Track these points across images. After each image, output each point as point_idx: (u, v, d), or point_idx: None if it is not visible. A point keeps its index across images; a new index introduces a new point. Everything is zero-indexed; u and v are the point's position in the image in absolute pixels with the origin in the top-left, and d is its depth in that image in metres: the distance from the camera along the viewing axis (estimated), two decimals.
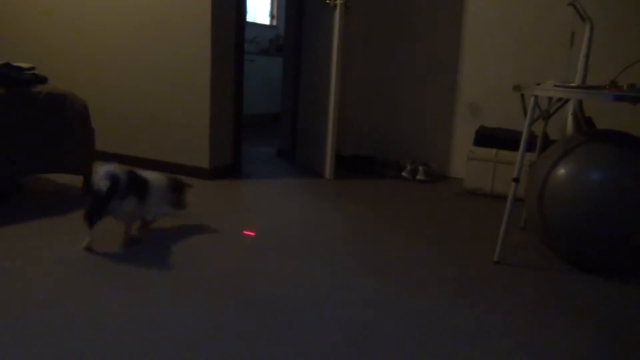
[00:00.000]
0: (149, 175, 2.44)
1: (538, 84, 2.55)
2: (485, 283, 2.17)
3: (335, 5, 3.73)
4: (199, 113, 3.68)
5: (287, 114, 4.74)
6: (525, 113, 2.45)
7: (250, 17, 7.05)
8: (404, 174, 4.13)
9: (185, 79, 3.69)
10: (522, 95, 2.67)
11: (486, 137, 3.75)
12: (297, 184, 3.77)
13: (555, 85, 2.33)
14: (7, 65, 2.81)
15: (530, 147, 3.18)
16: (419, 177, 4.08)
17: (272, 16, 7.57)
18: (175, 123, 3.79)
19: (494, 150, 3.66)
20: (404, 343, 1.66)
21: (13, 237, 2.39)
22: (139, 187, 2.33)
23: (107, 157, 3.94)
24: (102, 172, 2.19)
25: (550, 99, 2.68)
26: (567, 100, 2.71)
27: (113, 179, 2.18)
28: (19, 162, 2.78)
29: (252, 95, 5.78)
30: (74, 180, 3.24)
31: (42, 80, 2.95)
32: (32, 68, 2.92)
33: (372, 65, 4.57)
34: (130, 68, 3.92)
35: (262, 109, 6.55)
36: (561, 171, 2.30)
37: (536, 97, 2.33)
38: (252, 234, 2.50)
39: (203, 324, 1.71)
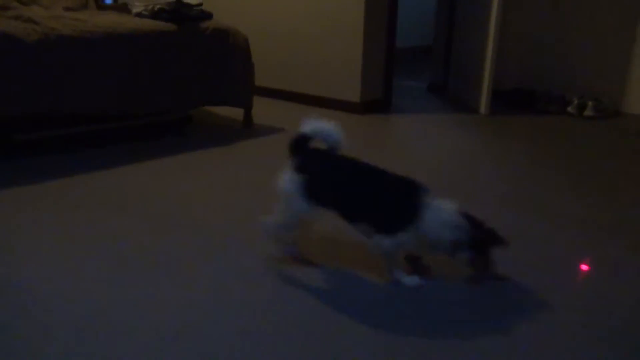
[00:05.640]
0: None
1: None
2: None
3: None
4: (351, 46, 3.64)
5: (440, 47, 4.51)
6: None
7: None
8: (569, 109, 3.77)
9: (340, 11, 3.64)
10: None
11: None
12: (451, 119, 3.62)
13: None
14: (179, 2, 2.97)
15: None
16: (587, 113, 3.70)
17: None
18: (328, 57, 3.79)
19: None
20: (591, 288, 1.55)
21: (192, 164, 2.61)
22: None
23: (264, 91, 4.13)
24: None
25: None
26: None
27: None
28: (191, 95, 2.99)
29: (399, 27, 5.58)
30: (235, 112, 3.41)
31: (209, 16, 3.10)
32: (199, 4, 3.07)
33: None
34: (286, 4, 3.96)
35: (410, 41, 6.31)
36: None
37: None
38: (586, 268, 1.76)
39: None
